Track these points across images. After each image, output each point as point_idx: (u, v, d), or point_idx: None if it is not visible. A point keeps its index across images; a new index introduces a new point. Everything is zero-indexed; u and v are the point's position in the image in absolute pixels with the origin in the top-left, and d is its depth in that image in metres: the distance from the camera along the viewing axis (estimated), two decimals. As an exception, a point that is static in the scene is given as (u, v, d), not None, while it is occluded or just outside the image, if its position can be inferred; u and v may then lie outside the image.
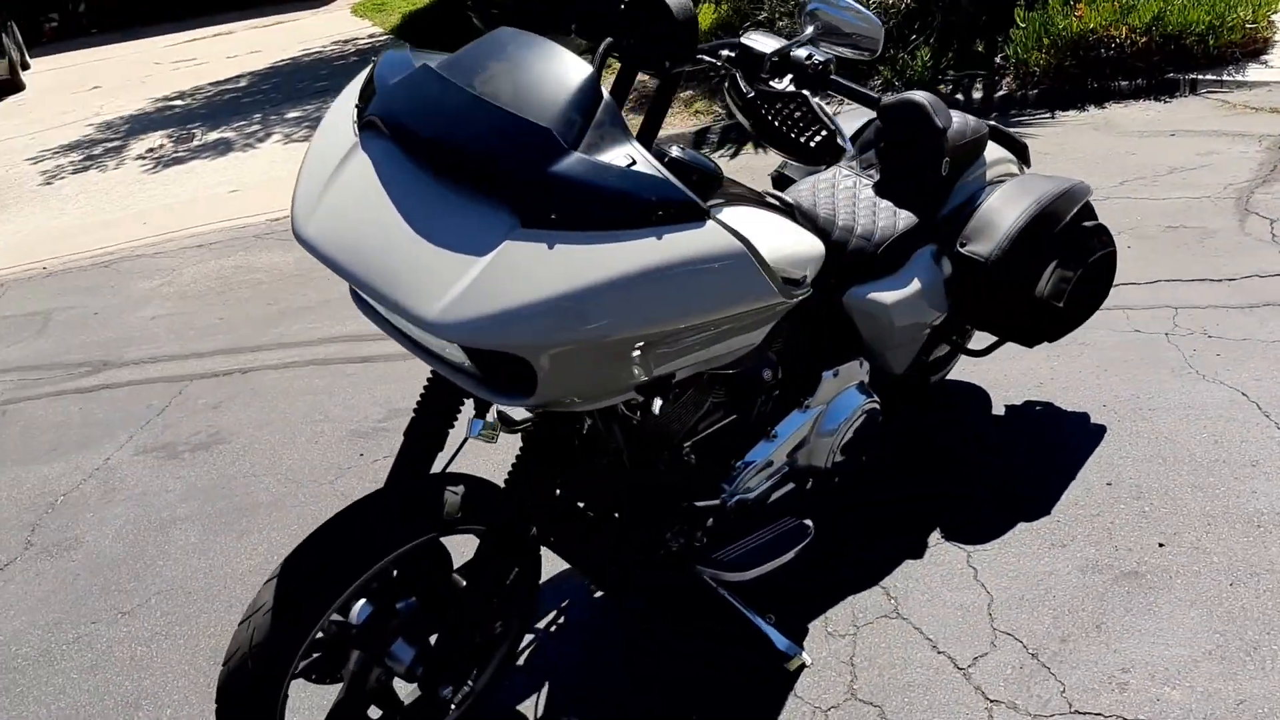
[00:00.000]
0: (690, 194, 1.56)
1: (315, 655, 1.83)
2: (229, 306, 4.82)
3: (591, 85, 1.62)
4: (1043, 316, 2.59)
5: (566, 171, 1.52)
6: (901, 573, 2.47)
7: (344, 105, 1.77)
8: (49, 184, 7.56)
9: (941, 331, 2.61)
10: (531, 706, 2.24)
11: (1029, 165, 2.94)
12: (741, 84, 1.86)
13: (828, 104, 1.91)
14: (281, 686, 1.67)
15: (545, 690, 2.28)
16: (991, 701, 2.09)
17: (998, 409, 3.09)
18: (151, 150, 7.98)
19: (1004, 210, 2.52)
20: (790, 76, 1.80)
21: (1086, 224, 2.66)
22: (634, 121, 1.89)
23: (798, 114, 1.84)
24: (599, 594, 2.54)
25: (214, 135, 8.21)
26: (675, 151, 1.75)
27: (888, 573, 2.47)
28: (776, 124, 1.79)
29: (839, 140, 1.84)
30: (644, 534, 2.18)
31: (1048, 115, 5.86)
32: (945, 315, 2.55)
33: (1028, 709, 2.06)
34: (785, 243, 1.94)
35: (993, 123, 2.96)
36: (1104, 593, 2.33)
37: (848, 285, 2.36)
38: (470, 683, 2.06)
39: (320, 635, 1.78)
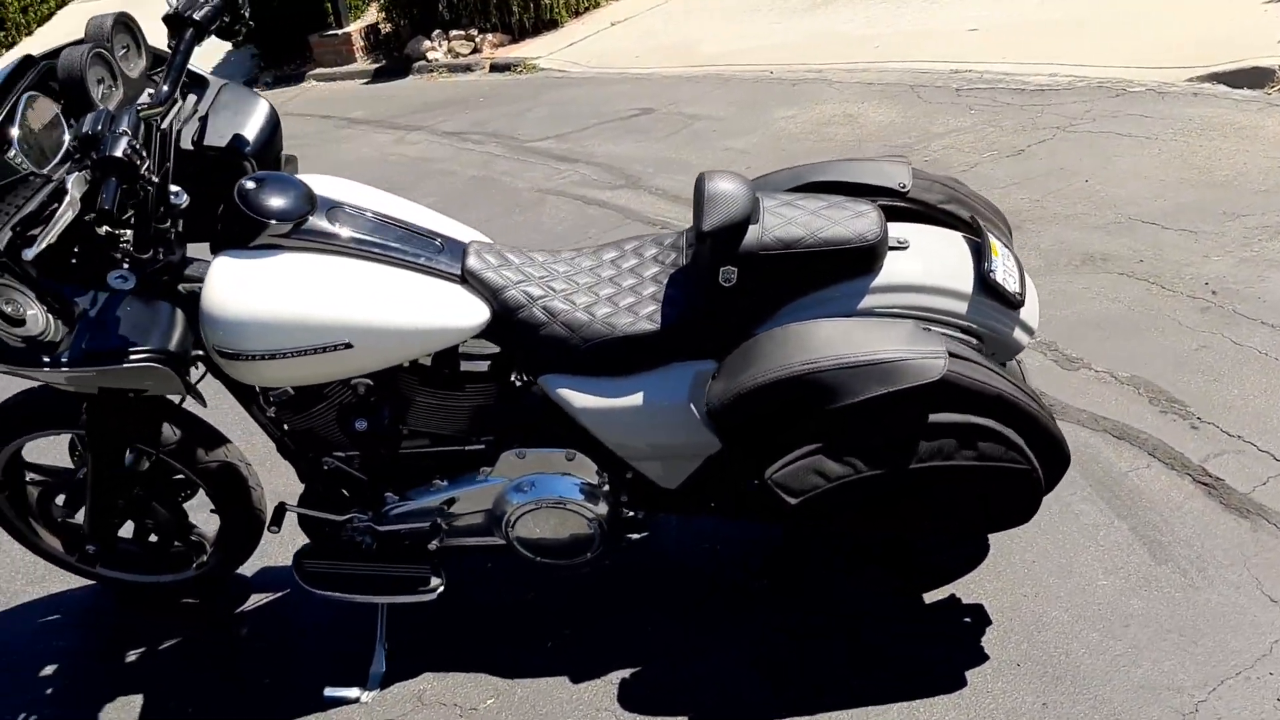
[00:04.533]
0: None
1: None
2: (766, 156, 5.11)
3: None
4: (770, 506, 1.92)
5: None
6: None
7: None
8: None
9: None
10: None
11: (1016, 306, 2.02)
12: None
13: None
14: None
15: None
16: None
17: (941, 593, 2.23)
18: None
19: (768, 354, 1.92)
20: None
21: (942, 419, 1.87)
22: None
23: None
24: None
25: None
26: (249, 185, 1.95)
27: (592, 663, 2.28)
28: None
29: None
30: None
31: None
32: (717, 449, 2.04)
33: None
34: (268, 304, 1.92)
35: (982, 230, 2.03)
36: None
37: (549, 369, 2.08)
38: (205, 558, 2.58)
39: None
